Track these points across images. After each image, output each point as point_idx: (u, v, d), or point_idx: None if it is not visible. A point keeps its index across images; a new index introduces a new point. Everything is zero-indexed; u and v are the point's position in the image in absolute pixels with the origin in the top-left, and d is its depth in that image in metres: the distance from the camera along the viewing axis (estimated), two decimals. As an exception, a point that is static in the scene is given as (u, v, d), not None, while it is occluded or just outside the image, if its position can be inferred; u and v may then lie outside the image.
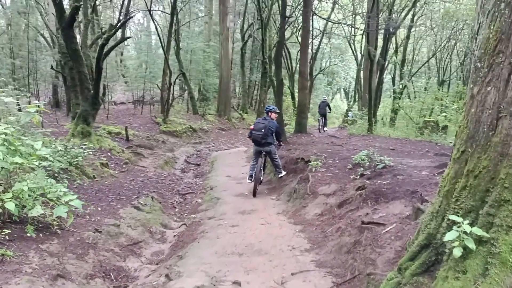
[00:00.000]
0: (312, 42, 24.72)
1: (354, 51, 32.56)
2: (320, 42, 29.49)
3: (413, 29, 25.76)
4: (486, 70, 2.66)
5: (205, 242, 5.44)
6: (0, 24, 21.67)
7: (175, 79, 20.66)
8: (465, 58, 25.95)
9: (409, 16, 22.62)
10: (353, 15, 24.17)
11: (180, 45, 22.89)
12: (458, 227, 2.56)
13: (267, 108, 8.47)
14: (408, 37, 25.09)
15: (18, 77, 17.89)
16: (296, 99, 17.79)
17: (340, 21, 22.26)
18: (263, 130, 7.87)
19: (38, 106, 5.19)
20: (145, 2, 18.09)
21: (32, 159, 4.82)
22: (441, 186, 3.01)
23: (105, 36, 10.83)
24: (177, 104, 23.59)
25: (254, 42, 28.99)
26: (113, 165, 9.90)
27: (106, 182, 8.28)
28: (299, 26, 22.72)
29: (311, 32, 20.81)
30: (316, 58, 30.28)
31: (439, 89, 18.98)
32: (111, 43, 12.51)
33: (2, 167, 4.37)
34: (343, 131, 20.24)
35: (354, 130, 16.30)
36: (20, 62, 18.12)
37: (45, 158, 5.09)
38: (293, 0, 23.91)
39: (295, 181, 7.84)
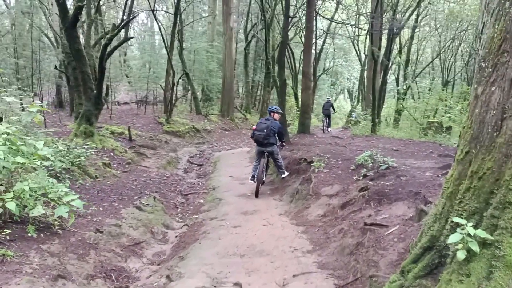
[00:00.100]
0: (315, 42, 24.70)
1: (358, 52, 32.47)
2: (324, 42, 29.42)
3: (417, 30, 25.64)
4: (490, 69, 2.62)
5: (207, 242, 5.41)
6: (4, 24, 21.75)
7: (179, 79, 20.66)
8: (470, 59, 25.80)
9: (413, 16, 22.49)
10: (357, 15, 24.10)
11: (184, 45, 22.91)
12: (462, 229, 2.52)
13: (269, 108, 8.44)
14: (412, 37, 24.97)
15: (21, 77, 17.95)
16: (300, 99, 17.76)
17: (344, 21, 22.17)
18: (265, 131, 7.84)
19: (41, 106, 5.19)
20: (149, 2, 18.11)
21: (33, 159, 4.81)
22: (445, 187, 2.96)
23: (108, 36, 10.84)
24: (180, 104, 23.59)
25: (258, 42, 28.97)
26: (115, 165, 9.90)
27: (109, 182, 8.27)
28: (303, 27, 22.65)
29: (315, 33, 20.78)
30: (319, 58, 30.22)
31: (443, 90, 18.86)
32: (114, 43, 12.54)
33: (4, 167, 4.36)
34: (347, 131, 20.17)
35: (358, 131, 16.21)
36: (24, 62, 18.17)
37: (47, 158, 5.08)
38: (297, 0, 23.86)
39: (298, 181, 7.80)
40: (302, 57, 19.71)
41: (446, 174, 5.40)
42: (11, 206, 4.07)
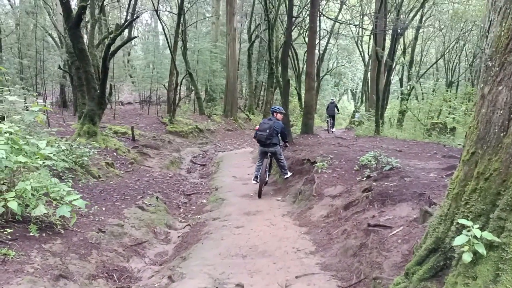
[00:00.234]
0: (319, 42, 24.64)
1: (362, 52, 32.41)
2: (327, 43, 29.40)
3: (421, 30, 25.55)
4: (497, 69, 2.57)
5: (209, 243, 5.38)
6: (8, 24, 21.83)
7: (182, 80, 20.67)
8: (474, 60, 25.66)
9: (417, 16, 22.43)
10: (361, 16, 24.03)
11: (187, 45, 22.92)
12: (468, 231, 2.47)
13: (272, 108, 8.40)
14: (416, 38, 24.87)
15: (25, 77, 18.01)
16: (303, 100, 17.71)
17: (348, 21, 22.11)
18: (267, 131, 7.80)
19: (44, 105, 5.18)
20: (152, 3, 18.12)
21: (36, 158, 4.80)
22: (450, 188, 2.92)
23: (111, 35, 10.85)
24: (184, 104, 23.61)
25: (261, 42, 28.96)
26: (118, 165, 9.89)
27: (111, 182, 8.26)
28: (306, 27, 22.64)
29: (318, 33, 20.73)
30: (323, 59, 30.21)
31: (447, 91, 18.75)
32: (118, 42, 12.54)
33: (6, 166, 4.35)
34: (350, 132, 20.15)
35: (361, 131, 16.17)
36: (28, 61, 18.23)
37: (49, 157, 5.06)
38: (300, 1, 23.83)
39: (301, 182, 7.76)
40: (305, 57, 19.70)
41: (451, 175, 5.35)
42: (13, 205, 4.05)
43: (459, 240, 2.46)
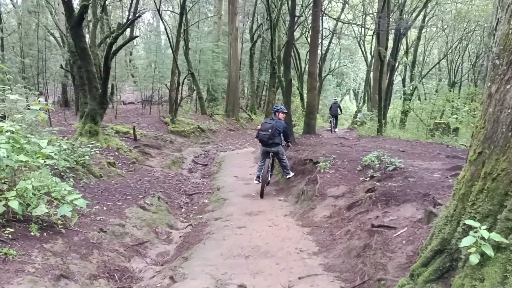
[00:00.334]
0: (321, 42, 24.60)
1: (364, 52, 32.34)
2: (330, 42, 29.34)
3: (424, 30, 25.47)
4: (505, 67, 2.52)
5: (211, 243, 5.34)
6: (11, 23, 21.84)
7: (184, 79, 20.67)
8: (477, 60, 25.58)
9: (420, 16, 22.33)
10: (364, 16, 23.97)
11: (189, 45, 22.90)
12: (475, 232, 2.42)
13: (274, 108, 8.35)
14: (419, 38, 24.80)
15: (27, 76, 18.01)
16: (305, 99, 17.66)
17: (350, 21, 22.05)
18: (270, 130, 7.75)
19: (46, 104, 5.15)
20: (155, 2, 18.11)
21: (37, 157, 4.77)
22: (456, 189, 2.87)
23: (113, 35, 10.82)
24: (186, 104, 23.59)
25: (263, 42, 28.92)
26: (120, 164, 9.87)
27: (113, 182, 8.24)
28: (309, 26, 22.57)
29: (321, 33, 20.68)
30: (325, 59, 30.15)
31: (450, 91, 18.68)
32: (120, 42, 12.52)
33: (7, 165, 4.32)
34: (352, 132, 20.09)
35: (364, 132, 16.11)
36: (30, 61, 18.23)
37: (51, 156, 5.04)
38: (303, 0, 23.78)
39: (303, 182, 7.72)
40: (307, 57, 19.65)
41: (455, 175, 5.31)
42: (14, 204, 4.03)
43: (466, 241, 2.41)
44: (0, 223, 4.24)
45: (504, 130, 2.50)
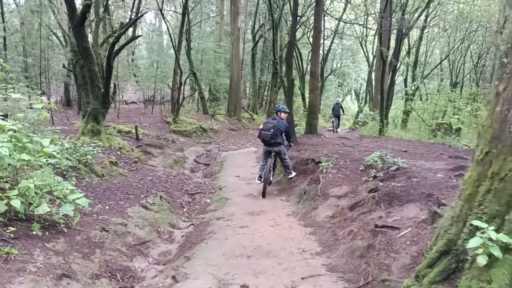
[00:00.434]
0: (323, 42, 24.55)
1: (366, 52, 32.30)
2: (332, 42, 29.29)
3: (426, 30, 25.40)
4: (513, 66, 2.49)
5: (213, 243, 5.32)
6: (13, 23, 21.85)
7: (186, 79, 20.63)
8: (479, 60, 25.51)
9: (422, 17, 22.28)
10: (366, 16, 23.93)
11: (191, 45, 22.89)
12: (482, 233, 2.39)
13: (276, 107, 8.32)
14: (421, 38, 24.75)
15: (30, 75, 18.01)
16: (307, 99, 17.63)
17: (352, 21, 21.99)
18: (272, 130, 7.73)
19: (48, 104, 5.14)
20: (157, 2, 18.11)
21: (39, 156, 4.75)
22: (462, 189, 2.84)
23: (116, 34, 10.80)
24: (188, 104, 23.56)
25: (265, 42, 28.90)
26: (122, 163, 9.86)
27: (115, 181, 8.22)
28: (311, 26, 22.56)
29: (323, 33, 20.64)
30: (327, 59, 30.11)
31: (452, 91, 18.62)
32: (122, 41, 12.51)
33: (9, 164, 4.31)
34: (354, 132, 20.07)
35: (365, 132, 16.08)
36: (32, 60, 18.24)
37: (53, 155, 5.02)
38: (305, 0, 23.75)
39: (306, 182, 7.69)
40: (309, 57, 19.62)
41: (459, 175, 5.27)
42: (16, 203, 4.01)
43: (473, 242, 2.38)
44: (2, 222, 4.22)
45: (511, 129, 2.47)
